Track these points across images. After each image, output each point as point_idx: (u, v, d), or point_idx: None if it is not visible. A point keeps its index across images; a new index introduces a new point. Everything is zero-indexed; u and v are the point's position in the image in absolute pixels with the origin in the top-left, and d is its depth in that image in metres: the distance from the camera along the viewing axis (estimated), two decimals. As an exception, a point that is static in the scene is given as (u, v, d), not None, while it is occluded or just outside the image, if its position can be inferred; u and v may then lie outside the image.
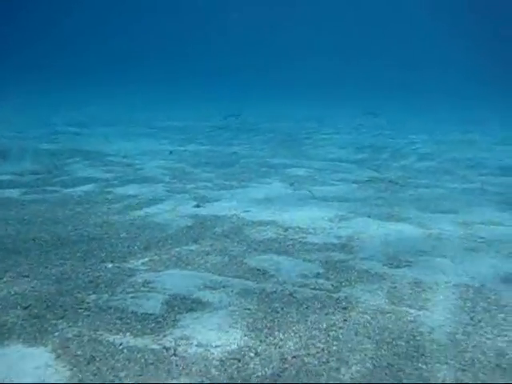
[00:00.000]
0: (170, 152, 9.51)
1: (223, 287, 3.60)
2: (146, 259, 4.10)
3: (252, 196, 6.31)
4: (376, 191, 6.83)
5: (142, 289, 3.51)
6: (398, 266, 4.11)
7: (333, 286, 3.70)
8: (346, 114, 18.71)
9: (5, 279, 3.61)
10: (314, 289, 3.63)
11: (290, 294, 3.51)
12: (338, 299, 3.47)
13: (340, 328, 3.07)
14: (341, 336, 2.98)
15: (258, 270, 3.96)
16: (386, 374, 2.61)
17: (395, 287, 3.69)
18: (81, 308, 3.20)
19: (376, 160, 9.49)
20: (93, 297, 3.35)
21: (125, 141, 10.97)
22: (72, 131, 12.26)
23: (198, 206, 5.78)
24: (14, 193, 6.10)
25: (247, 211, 5.65)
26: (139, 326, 3.00)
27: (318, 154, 9.94)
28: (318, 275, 3.88)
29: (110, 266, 3.92)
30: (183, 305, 3.30)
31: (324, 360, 2.72)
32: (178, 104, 21.28)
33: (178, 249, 4.37)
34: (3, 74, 26.90)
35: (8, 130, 11.79)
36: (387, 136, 13.22)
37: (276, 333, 2.99)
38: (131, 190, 6.51)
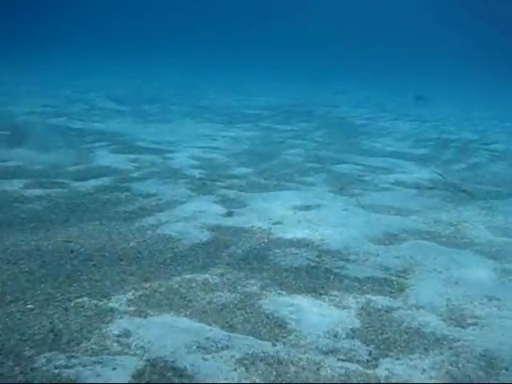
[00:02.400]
0: (214, 138, 8.60)
1: (222, 349, 2.69)
2: (136, 294, 3.24)
3: (289, 202, 5.35)
4: (438, 200, 5.74)
5: (115, 346, 2.65)
6: (462, 326, 3.08)
7: (370, 354, 2.73)
8: (397, 98, 17.28)
9: None
10: (344, 359, 2.67)
11: (311, 369, 2.57)
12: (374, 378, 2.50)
13: None
14: None
15: (274, 320, 3.03)
16: None
17: (457, 364, 2.68)
18: None
19: (439, 157, 8.31)
20: (42, 360, 2.50)
21: (163, 122, 10.15)
22: (111, 108, 11.55)
23: (227, 215, 4.87)
24: (15, 184, 5.36)
25: (279, 223, 4.70)
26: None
27: (373, 146, 8.83)
28: (352, 334, 2.91)
29: (85, 303, 3.07)
30: (161, 379, 2.42)
31: None
32: (235, 80, 20.33)
33: (179, 278, 3.48)
34: (36, 45, 26.61)
35: (41, 104, 11.16)
36: (451, 126, 11.86)
37: None
38: (151, 186, 5.67)
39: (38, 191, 5.21)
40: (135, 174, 6.12)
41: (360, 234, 4.54)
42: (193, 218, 4.73)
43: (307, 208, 5.19)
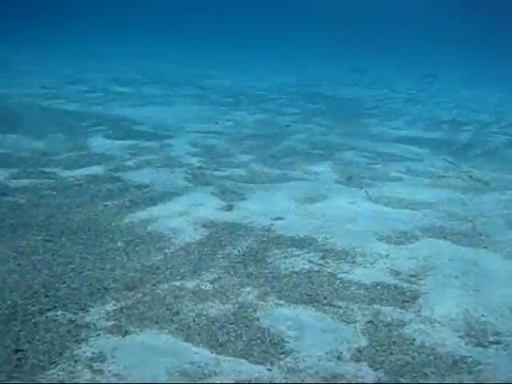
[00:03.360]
0: (216, 123, 8.22)
1: (209, 376, 2.36)
2: (117, 305, 2.91)
3: (293, 193, 4.99)
4: (452, 191, 5.36)
5: (85, 373, 2.32)
6: (482, 345, 2.72)
7: (379, 381, 2.39)
8: (404, 77, 16.68)
9: None
10: (349, 389, 2.33)
11: (309, 403, 2.23)
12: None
13: None
14: None
15: (271, 337, 2.69)
16: None
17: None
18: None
19: (453, 142, 7.88)
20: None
21: (165, 105, 9.76)
22: (112, 90, 11.15)
23: (225, 209, 4.52)
24: (1, 174, 5.03)
25: (280, 219, 4.35)
26: None
27: (383, 130, 8.40)
28: (357, 355, 2.57)
29: (58, 317, 2.74)
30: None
31: None
32: (243, 61, 19.82)
33: (167, 286, 3.15)
34: (41, 25, 26.10)
35: (39, 85, 10.80)
36: (463, 108, 11.37)
37: None
38: (146, 175, 5.33)
39: (23, 182, 4.89)
40: (130, 163, 5.78)
41: (368, 231, 4.18)
42: (187, 212, 4.38)
43: (311, 201, 4.83)
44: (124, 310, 2.85)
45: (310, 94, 12.31)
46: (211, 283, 3.22)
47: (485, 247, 3.96)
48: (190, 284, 3.19)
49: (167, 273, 3.32)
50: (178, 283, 3.19)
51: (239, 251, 3.69)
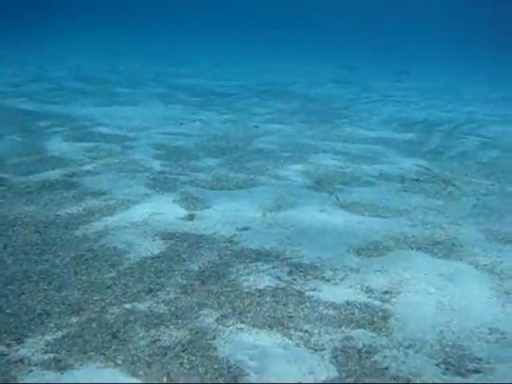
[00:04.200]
0: (181, 123, 7.90)
1: (157, 420, 2.07)
2: (59, 333, 2.60)
3: (260, 201, 4.73)
4: (426, 197, 5.15)
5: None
6: (461, 373, 2.49)
7: (349, 422, 2.13)
8: (377, 74, 16.60)
9: None
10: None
11: None
12: None
13: None
14: None
15: (229, 369, 2.42)
16: None
17: None
18: None
19: (426, 143, 7.70)
20: None
21: (130, 104, 9.41)
22: (76, 88, 10.76)
23: (187, 219, 4.23)
24: None
25: (246, 229, 4.08)
26: None
27: (355, 131, 8.19)
28: (326, 390, 2.31)
29: (-12, 352, 2.42)
30: None
31: None
32: (215, 58, 19.48)
33: (117, 309, 2.85)
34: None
35: (2, 83, 10.33)
36: (437, 108, 11.26)
37: None
38: (104, 181, 5.00)
39: (-31, 190, 4.52)
40: (89, 167, 5.45)
41: (338, 242, 3.93)
42: (146, 223, 4.09)
43: (280, 208, 4.57)
44: (66, 340, 2.55)
45: (282, 92, 12.07)
46: (167, 304, 2.93)
47: (460, 259, 3.75)
48: (143, 306, 2.90)
49: (118, 293, 3.03)
50: (129, 305, 2.89)
51: (199, 267, 3.41)
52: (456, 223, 4.46)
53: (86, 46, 19.43)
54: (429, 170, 6.08)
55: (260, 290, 3.15)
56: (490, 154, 7.29)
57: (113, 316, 2.78)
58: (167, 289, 3.11)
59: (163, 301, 2.97)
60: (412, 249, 3.88)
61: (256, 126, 8.05)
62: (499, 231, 4.34)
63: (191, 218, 4.25)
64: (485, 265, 3.67)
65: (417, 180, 5.70)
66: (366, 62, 19.63)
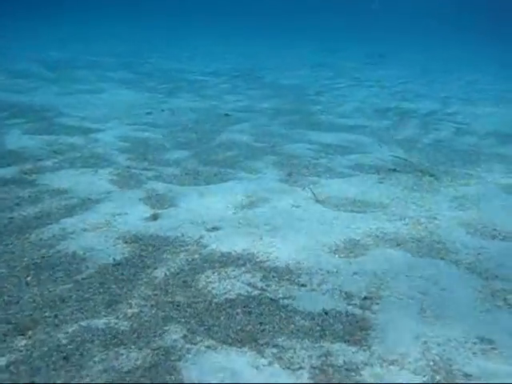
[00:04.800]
0: (148, 113, 7.57)
1: None
2: (2, 360, 2.31)
3: (231, 196, 4.47)
4: (403, 188, 4.95)
5: None
6: (449, 392, 2.29)
7: None
8: (352, 57, 16.43)
9: None
10: None
11: None
12: None
13: None
14: None
15: (195, 396, 2.17)
16: None
17: None
18: None
19: (401, 131, 7.51)
20: None
21: (95, 92, 9.02)
22: (39, 75, 10.29)
23: (152, 219, 3.95)
24: None
25: (216, 229, 3.83)
26: None
27: (329, 119, 7.96)
28: (303, 418, 2.08)
29: None
30: None
31: None
32: (183, 42, 19.01)
33: (72, 327, 2.57)
34: None
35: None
36: (412, 93, 11.09)
37: None
38: (65, 178, 4.69)
39: None
40: (49, 162, 5.12)
41: (315, 241, 3.70)
42: (108, 224, 3.80)
43: (251, 205, 4.32)
44: (11, 367, 2.27)
45: (255, 78, 11.78)
46: (128, 320, 2.67)
47: (442, 258, 3.55)
48: (101, 322, 2.63)
49: (74, 307, 2.75)
50: (86, 322, 2.62)
51: (165, 274, 3.15)
52: (436, 217, 4.27)
53: (57, 33, 18.79)
54: (405, 160, 5.89)
55: (231, 300, 2.90)
56: (466, 140, 7.14)
57: (66, 336, 2.50)
58: (129, 301, 2.84)
59: (124, 316, 2.70)
60: (392, 247, 3.67)
61: (227, 115, 7.77)
62: (479, 225, 4.16)
63: (157, 217, 3.97)
64: (468, 264, 3.47)
65: (393, 170, 5.50)
66: (345, 46, 19.41)
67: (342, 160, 5.79)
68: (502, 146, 6.85)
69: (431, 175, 5.38)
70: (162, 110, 7.85)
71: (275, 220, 4.02)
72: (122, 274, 3.12)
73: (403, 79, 12.94)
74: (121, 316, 2.70)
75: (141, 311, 2.75)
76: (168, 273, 3.17)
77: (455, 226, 4.11)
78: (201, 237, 3.68)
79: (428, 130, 7.60)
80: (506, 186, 5.16)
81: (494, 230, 4.09)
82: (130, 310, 2.75)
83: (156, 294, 2.92)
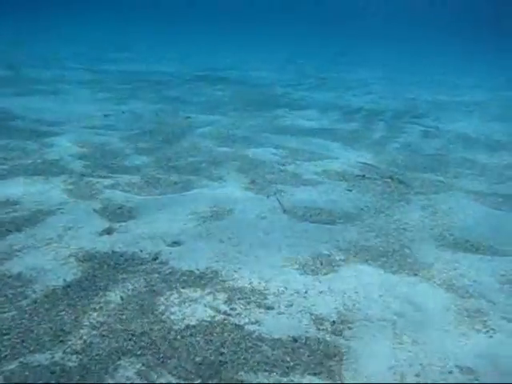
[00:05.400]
0: (106, 115, 7.25)
1: None
2: None
3: (194, 207, 4.23)
4: (373, 197, 4.79)
5: None
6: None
7: None
8: (319, 57, 16.35)
9: None
10: None
11: None
12: None
13: None
14: None
15: None
16: None
17: None
18: None
19: (368, 134, 7.37)
20: None
21: (53, 93, 8.65)
22: (-7, 75, 9.84)
23: (108, 233, 3.67)
24: None
25: (176, 244, 3.58)
26: None
27: (295, 122, 7.77)
28: None
29: None
30: None
31: None
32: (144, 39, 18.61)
33: (11, 365, 2.30)
34: None
35: None
36: (378, 94, 11.00)
37: None
38: (14, 188, 4.37)
39: None
40: (-3, 170, 4.77)
41: (282, 257, 3.49)
42: (60, 240, 3.51)
43: (214, 217, 4.08)
44: None
45: (219, 79, 11.53)
46: (77, 354, 2.40)
47: (415, 274, 3.38)
48: (45, 358, 2.36)
49: (16, 340, 2.47)
50: (28, 358, 2.35)
51: (121, 297, 2.89)
52: (407, 228, 4.11)
53: (15, 32, 18.16)
54: (375, 166, 5.73)
55: (191, 327, 2.66)
56: (434, 144, 7.04)
57: (3, 377, 2.22)
58: (79, 331, 2.57)
59: (73, 350, 2.43)
60: (363, 263, 3.48)
61: (188, 117, 7.49)
62: (451, 236, 4.02)
63: (113, 231, 3.69)
64: (442, 281, 3.31)
65: (363, 177, 5.34)
66: (312, 46, 19.29)
67: (309, 166, 5.59)
68: (469, 151, 6.76)
69: (400, 182, 5.22)
70: (123, 112, 7.54)
71: (240, 233, 3.79)
72: (73, 299, 2.85)
73: (370, 80, 12.86)
74: (69, 350, 2.43)
75: (91, 343, 2.49)
76: (124, 296, 2.91)
77: (427, 240, 3.95)
78: (159, 252, 3.42)
79: (396, 134, 7.48)
80: (476, 193, 5.05)
81: (467, 241, 3.95)
82: (79, 343, 2.49)
83: (109, 322, 2.66)
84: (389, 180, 5.28)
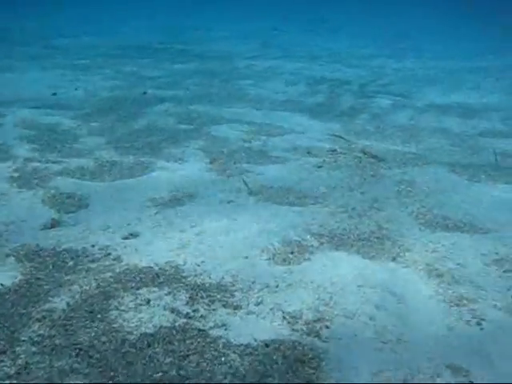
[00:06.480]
0: (54, 94, 6.76)
1: None
2: None
3: (151, 193, 3.87)
4: (344, 173, 4.51)
5: None
6: None
7: None
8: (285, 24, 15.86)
9: None
10: None
11: None
12: None
13: None
14: None
15: None
16: None
17: None
18: None
19: (336, 106, 7.07)
20: None
21: (1, 70, 8.06)
22: None
23: (54, 226, 3.29)
24: None
25: (133, 235, 3.23)
26: None
27: (260, 94, 7.41)
28: None
29: None
30: None
31: None
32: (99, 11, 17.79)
33: None
34: None
35: None
36: (346, 62, 10.67)
37: None
38: (-50, 178, 3.93)
39: None
40: None
41: (249, 245, 3.17)
42: (0, 236, 3.12)
43: (175, 202, 3.74)
44: None
45: (180, 51, 11.05)
46: (10, 379, 2.05)
47: (393, 259, 3.10)
48: (-25, 386, 2.00)
49: None
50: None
51: (67, 303, 2.54)
52: (382, 208, 3.83)
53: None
54: (345, 139, 5.43)
55: (149, 336, 2.33)
56: (404, 114, 6.78)
57: None
58: (15, 349, 2.22)
59: (5, 373, 2.08)
60: (338, 248, 3.19)
61: (145, 93, 7.05)
62: (428, 214, 3.75)
63: (61, 224, 3.32)
64: (426, 265, 3.04)
65: (333, 151, 5.03)
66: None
67: (276, 141, 5.26)
68: (441, 120, 6.52)
69: (374, 156, 4.94)
70: (76, 89, 7.06)
71: (202, 221, 3.45)
72: (11, 307, 2.49)
73: (335, 49, 12.50)
74: (6, 367, 2.08)
75: (29, 363, 2.14)
76: (71, 301, 2.56)
77: (405, 219, 3.68)
78: (115, 246, 3.07)
79: (364, 104, 7.19)
80: (452, 164, 4.80)
81: (446, 218, 3.69)
82: (17, 363, 2.14)
83: (53, 336, 2.31)
84: (360, 154, 4.99)
